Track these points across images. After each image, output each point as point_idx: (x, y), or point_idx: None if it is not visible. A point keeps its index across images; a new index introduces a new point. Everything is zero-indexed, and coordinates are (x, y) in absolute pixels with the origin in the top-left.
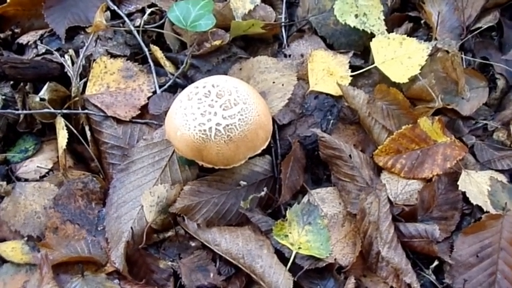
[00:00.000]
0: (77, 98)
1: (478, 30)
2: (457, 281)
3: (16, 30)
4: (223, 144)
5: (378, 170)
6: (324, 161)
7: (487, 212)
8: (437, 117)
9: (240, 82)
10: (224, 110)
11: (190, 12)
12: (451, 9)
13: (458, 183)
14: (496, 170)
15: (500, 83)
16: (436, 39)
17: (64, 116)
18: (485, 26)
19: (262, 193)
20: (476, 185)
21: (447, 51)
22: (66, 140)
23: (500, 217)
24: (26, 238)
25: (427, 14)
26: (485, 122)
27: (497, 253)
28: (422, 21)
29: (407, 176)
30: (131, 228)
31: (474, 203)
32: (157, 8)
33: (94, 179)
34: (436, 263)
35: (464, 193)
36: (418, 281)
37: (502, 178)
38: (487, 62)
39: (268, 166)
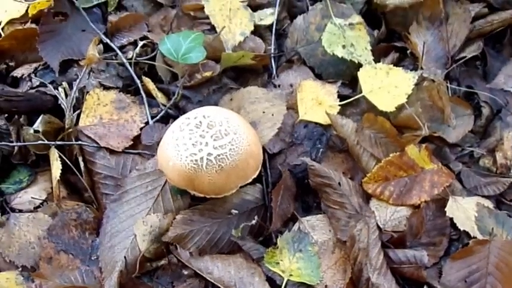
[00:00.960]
0: (70, 130)
1: (463, 60)
2: None
3: (11, 64)
4: (215, 173)
5: (367, 197)
6: (313, 189)
7: (474, 237)
8: (424, 145)
9: (231, 112)
10: (215, 141)
11: (181, 45)
12: (436, 40)
13: (445, 209)
14: (483, 196)
15: (485, 110)
16: (422, 68)
17: (58, 147)
18: (470, 56)
19: (253, 221)
20: (463, 210)
21: (433, 80)
22: (60, 171)
23: (487, 242)
24: (20, 269)
25: (413, 44)
26: (471, 149)
27: (485, 278)
28: (408, 51)
29: (395, 202)
30: (124, 257)
31: (461, 229)
32: (149, 40)
33: (87, 209)
34: None
35: (451, 219)
36: None
37: (489, 204)
38: (472, 90)
39: (259, 195)
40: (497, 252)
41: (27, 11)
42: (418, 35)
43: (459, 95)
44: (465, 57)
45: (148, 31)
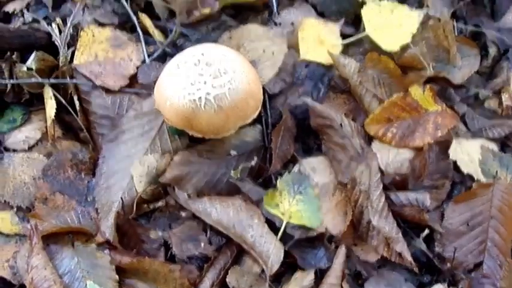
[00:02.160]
0: (64, 68)
1: None
2: (447, 249)
3: None
4: (213, 113)
5: (369, 139)
6: (314, 130)
7: (477, 180)
8: (428, 86)
9: (230, 50)
10: (214, 79)
11: None
12: None
13: (449, 151)
14: (487, 139)
15: (492, 50)
16: (427, 6)
17: (52, 85)
18: None
19: (253, 162)
20: (467, 153)
21: (439, 19)
22: (55, 110)
23: (491, 185)
24: (15, 209)
25: None
26: (476, 90)
27: (488, 221)
28: None
29: (398, 144)
30: (121, 198)
31: (465, 172)
32: None
33: (83, 149)
34: (426, 231)
35: (455, 162)
36: (409, 250)
37: (493, 147)
38: (479, 29)
39: (259, 136)
40: (501, 196)
41: None
42: None
43: (465, 35)
44: None
45: None
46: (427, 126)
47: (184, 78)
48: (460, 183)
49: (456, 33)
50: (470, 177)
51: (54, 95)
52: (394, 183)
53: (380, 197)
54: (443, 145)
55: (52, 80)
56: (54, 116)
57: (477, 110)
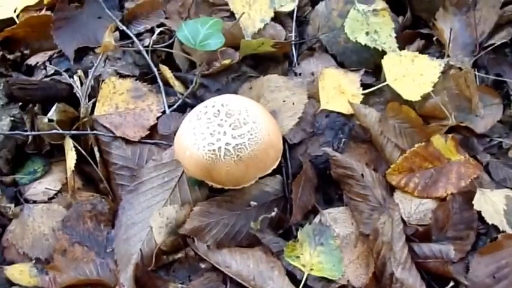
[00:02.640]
0: (85, 119)
1: (492, 47)
2: None
3: (25, 52)
4: (233, 164)
5: (391, 189)
6: (335, 180)
7: (503, 231)
8: (450, 135)
9: (250, 101)
10: (233, 130)
11: (199, 31)
12: (464, 26)
13: (473, 202)
14: None
15: None
16: (448, 56)
17: (73, 137)
18: (499, 43)
19: (273, 214)
20: (491, 204)
21: (460, 68)
22: (75, 161)
23: None
24: (34, 261)
25: (439, 30)
26: (500, 139)
27: None
28: (434, 38)
29: (420, 195)
30: (140, 250)
31: (490, 223)
32: (166, 27)
33: (103, 200)
34: (451, 284)
35: (479, 212)
36: None
37: None
38: (501, 78)
39: (279, 186)
40: None
41: None
42: (445, 21)
43: (487, 84)
44: (494, 44)
45: (166, 18)
46: (450, 176)
47: (204, 128)
48: (485, 235)
49: (478, 83)
50: (496, 228)
51: (74, 146)
52: (417, 235)
53: (403, 249)
54: (467, 195)
55: (73, 132)
56: (74, 167)
57: (501, 160)
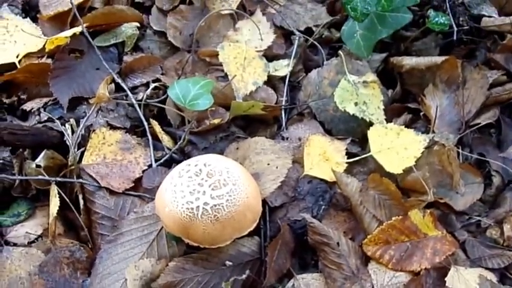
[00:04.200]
0: (73, 167)
1: (477, 126)
2: None
3: (22, 96)
4: (210, 224)
5: (366, 259)
6: (312, 246)
7: None
8: (429, 211)
9: (232, 162)
10: (213, 190)
11: (189, 90)
12: (451, 103)
13: (446, 279)
14: (486, 268)
15: (496, 180)
16: (434, 132)
17: (59, 183)
18: (484, 123)
19: (244, 276)
20: (464, 282)
21: (444, 145)
22: (57, 208)
23: None
24: None
25: (427, 106)
26: (478, 218)
27: None
28: (421, 114)
29: (395, 267)
30: None
31: None
32: (161, 83)
33: (82, 248)
34: None
35: None
36: None
37: (492, 277)
38: (484, 158)
39: (256, 247)
40: None
41: (44, 45)
42: (433, 97)
43: (470, 162)
44: (479, 123)
45: (162, 74)
46: (425, 251)
47: (184, 186)
48: None
49: (461, 160)
50: None
51: (59, 193)
52: None
53: None
54: (441, 272)
55: (58, 179)
56: (58, 213)
57: (478, 238)
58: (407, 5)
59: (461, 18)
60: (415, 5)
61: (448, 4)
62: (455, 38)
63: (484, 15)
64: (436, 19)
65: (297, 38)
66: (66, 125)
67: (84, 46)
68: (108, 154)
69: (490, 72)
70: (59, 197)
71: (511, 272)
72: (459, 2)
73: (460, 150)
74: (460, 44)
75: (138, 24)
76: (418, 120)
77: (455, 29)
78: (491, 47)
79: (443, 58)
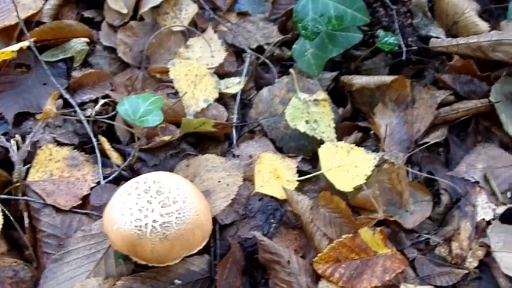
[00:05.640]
0: (18, 184)
1: (426, 145)
2: None
3: None
4: (158, 241)
5: (317, 277)
6: (263, 264)
7: None
8: (379, 229)
9: (182, 180)
10: (162, 207)
11: (139, 107)
12: (401, 122)
13: None
14: (436, 286)
15: (444, 198)
16: (383, 150)
17: (3, 201)
18: (433, 141)
19: None
20: None
21: (393, 163)
22: (1, 226)
23: None
24: None
25: (376, 125)
26: (427, 236)
27: None
28: (371, 132)
29: (345, 285)
30: None
31: None
32: (110, 99)
33: (26, 267)
34: None
35: None
36: None
37: None
38: (433, 176)
39: (206, 266)
40: None
41: None
42: (383, 116)
43: (419, 180)
44: (428, 142)
45: (112, 90)
46: (375, 269)
47: (133, 203)
48: None
49: (410, 179)
50: None
51: (2, 210)
52: None
53: None
54: None
55: (2, 196)
56: (2, 232)
57: (427, 256)
58: (357, 24)
59: (410, 39)
60: (365, 24)
61: (397, 24)
62: (404, 57)
63: (432, 36)
64: (386, 39)
65: (249, 56)
66: (12, 140)
67: (31, 61)
68: (55, 171)
69: (438, 92)
70: (3, 215)
71: None
72: (408, 23)
73: (409, 169)
74: (409, 64)
75: (88, 40)
76: (369, 139)
77: (404, 49)
78: (439, 67)
79: (392, 77)
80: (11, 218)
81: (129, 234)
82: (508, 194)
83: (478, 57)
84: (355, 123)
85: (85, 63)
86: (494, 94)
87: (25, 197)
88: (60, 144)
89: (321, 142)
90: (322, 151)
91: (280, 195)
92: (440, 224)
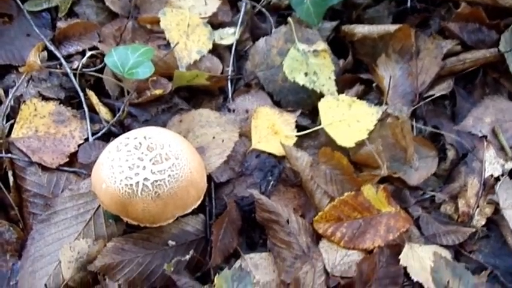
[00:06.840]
0: (1, 141)
1: (431, 98)
2: None
3: None
4: (150, 200)
5: (317, 237)
6: (260, 224)
7: None
8: (382, 186)
9: (175, 135)
10: (154, 165)
11: (128, 58)
12: (405, 74)
13: (400, 257)
14: (441, 245)
15: (451, 153)
16: (387, 103)
17: None
18: (439, 94)
19: (187, 256)
20: (419, 259)
21: (397, 117)
22: None
23: None
24: None
25: (379, 77)
26: (433, 193)
27: None
28: (374, 85)
29: (347, 245)
30: (45, 285)
31: (415, 280)
32: (98, 51)
33: (11, 228)
34: None
35: (405, 268)
36: None
37: (447, 254)
38: (438, 131)
39: (201, 226)
40: None
41: None
42: (386, 68)
43: (424, 135)
44: (434, 95)
45: (100, 41)
46: (378, 228)
47: (123, 161)
48: None
49: (415, 133)
50: (420, 286)
51: None
52: (339, 287)
53: None
54: (395, 249)
55: None
56: None
57: (432, 214)
58: None
59: None
60: None
61: None
62: (408, 5)
63: None
64: None
65: (244, 4)
66: None
67: (13, 11)
68: (41, 127)
69: (444, 42)
70: None
71: (466, 249)
72: None
73: (413, 123)
74: (414, 12)
75: None
76: (371, 92)
77: None
78: (446, 16)
79: (396, 26)
80: None
81: (119, 194)
82: None
83: (487, 3)
84: (356, 75)
85: (71, 13)
86: (503, 43)
87: (9, 155)
88: (45, 98)
89: (321, 95)
90: (322, 105)
91: (278, 151)
92: (446, 180)
